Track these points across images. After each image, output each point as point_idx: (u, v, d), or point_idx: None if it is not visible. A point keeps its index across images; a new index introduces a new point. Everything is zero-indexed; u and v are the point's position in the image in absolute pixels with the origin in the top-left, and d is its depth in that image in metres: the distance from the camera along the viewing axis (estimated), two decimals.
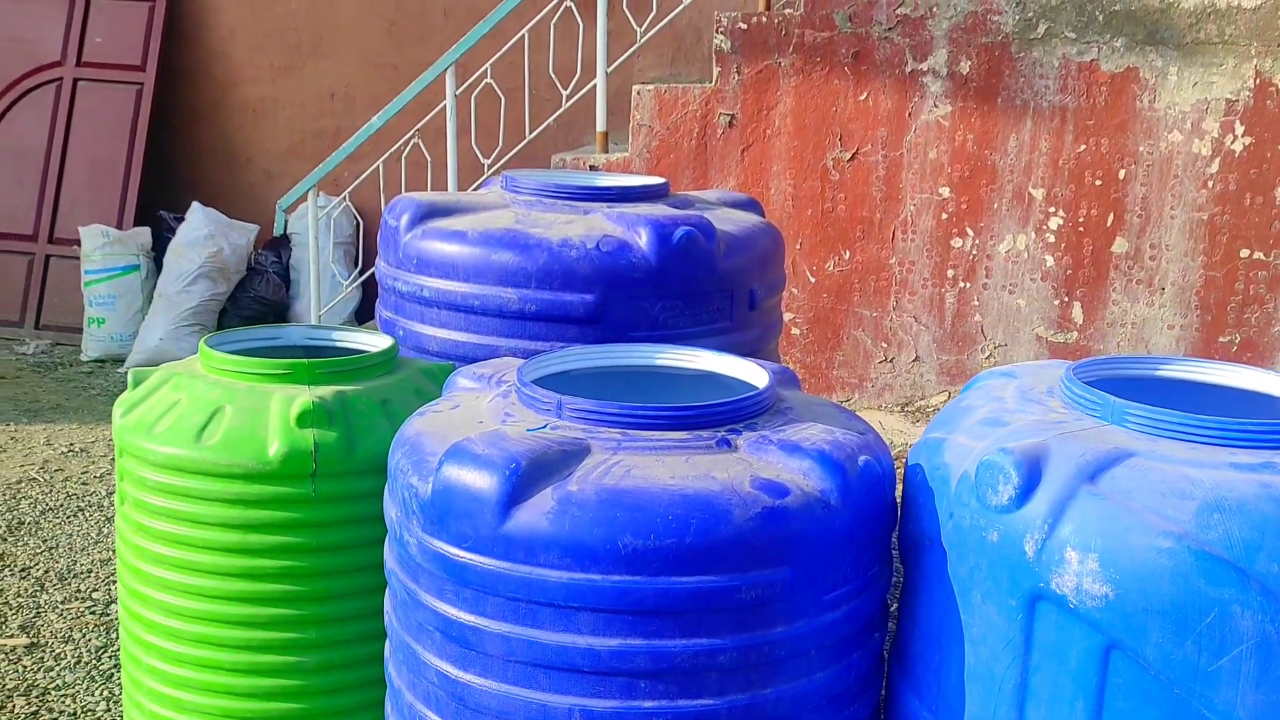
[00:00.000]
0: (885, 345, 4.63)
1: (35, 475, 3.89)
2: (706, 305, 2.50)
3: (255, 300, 5.84)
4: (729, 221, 2.64)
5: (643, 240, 2.40)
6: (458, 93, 4.77)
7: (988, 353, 4.56)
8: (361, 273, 5.07)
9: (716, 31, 4.48)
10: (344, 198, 5.04)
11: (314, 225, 5.05)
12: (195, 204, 5.77)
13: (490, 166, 4.89)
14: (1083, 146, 4.34)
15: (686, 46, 5.77)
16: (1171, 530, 1.35)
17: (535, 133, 4.82)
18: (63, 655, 2.71)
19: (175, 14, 6.23)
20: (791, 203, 4.58)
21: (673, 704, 1.48)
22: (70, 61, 6.14)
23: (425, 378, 2.16)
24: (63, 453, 4.13)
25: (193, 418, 1.92)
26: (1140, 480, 1.42)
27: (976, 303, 4.53)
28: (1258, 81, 4.17)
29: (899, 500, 1.69)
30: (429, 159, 4.91)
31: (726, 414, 1.63)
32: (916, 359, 4.61)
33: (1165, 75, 4.23)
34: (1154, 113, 4.27)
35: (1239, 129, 4.22)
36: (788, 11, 4.48)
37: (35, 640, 2.77)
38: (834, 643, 1.57)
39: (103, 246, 5.63)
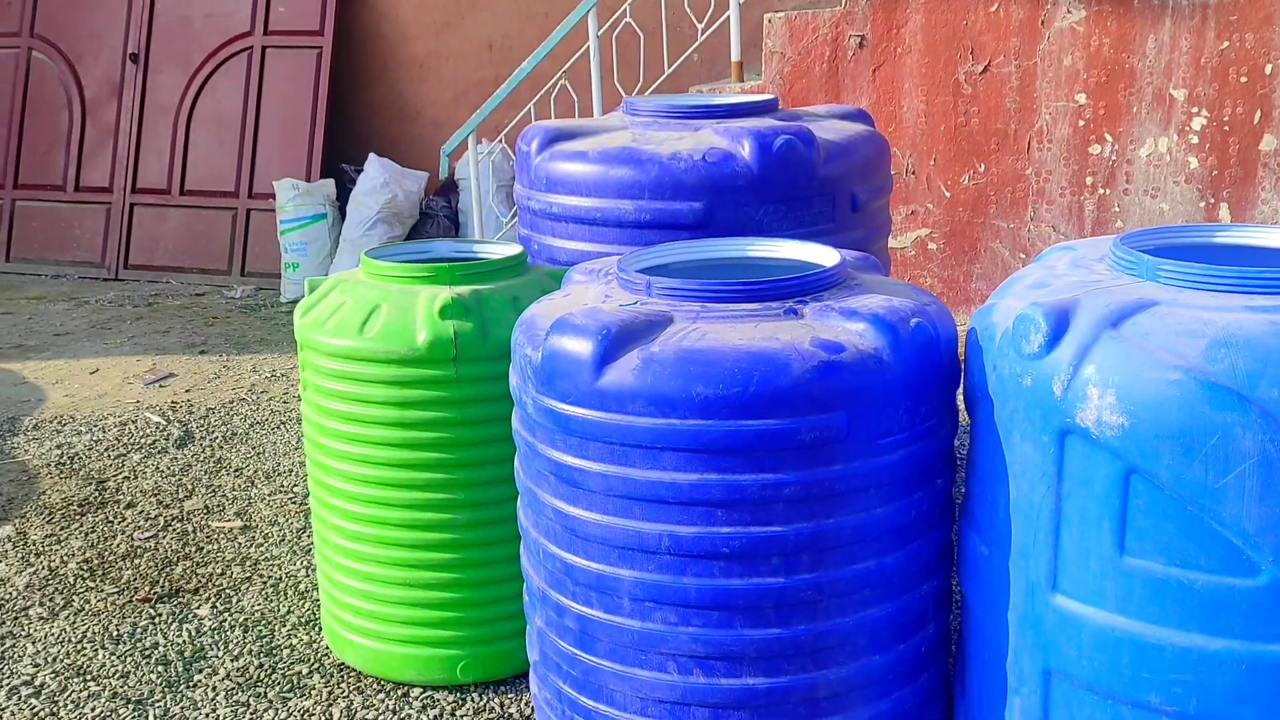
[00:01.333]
0: (1024, 256, 4.67)
1: (244, 396, 4.44)
2: (808, 209, 2.70)
3: None
4: (832, 130, 2.83)
5: (745, 150, 2.62)
6: (599, 33, 5.04)
7: None
8: (515, 214, 5.42)
9: None
10: (500, 140, 5.41)
11: (474, 168, 5.44)
12: (371, 155, 6.28)
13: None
14: (1225, 43, 4.24)
15: None
16: (1180, 365, 1.51)
17: (674, 66, 5.04)
18: (270, 535, 3.19)
19: None
20: (924, 119, 4.65)
21: (745, 530, 1.74)
22: (258, 31, 6.74)
23: (549, 279, 2.46)
24: (266, 377, 4.69)
25: (356, 315, 2.28)
26: (1159, 324, 1.57)
27: (1117, 209, 4.51)
28: None
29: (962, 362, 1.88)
30: (576, 99, 5.21)
31: (795, 287, 1.86)
32: None
33: None
34: None
35: None
36: None
37: (248, 524, 3.27)
38: (891, 482, 1.79)
39: (294, 198, 6.22)
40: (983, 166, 4.63)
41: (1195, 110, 4.33)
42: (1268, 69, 4.21)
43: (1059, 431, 1.61)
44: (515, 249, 2.52)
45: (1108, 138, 4.46)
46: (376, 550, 2.35)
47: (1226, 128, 4.31)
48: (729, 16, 4.87)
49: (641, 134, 2.79)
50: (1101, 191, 4.51)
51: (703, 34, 4.99)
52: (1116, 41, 4.36)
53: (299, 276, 6.22)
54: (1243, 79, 4.25)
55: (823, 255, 2.10)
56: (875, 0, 4.58)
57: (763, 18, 4.87)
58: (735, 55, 4.92)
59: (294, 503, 3.41)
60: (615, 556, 1.81)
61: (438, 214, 6.40)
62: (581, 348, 1.77)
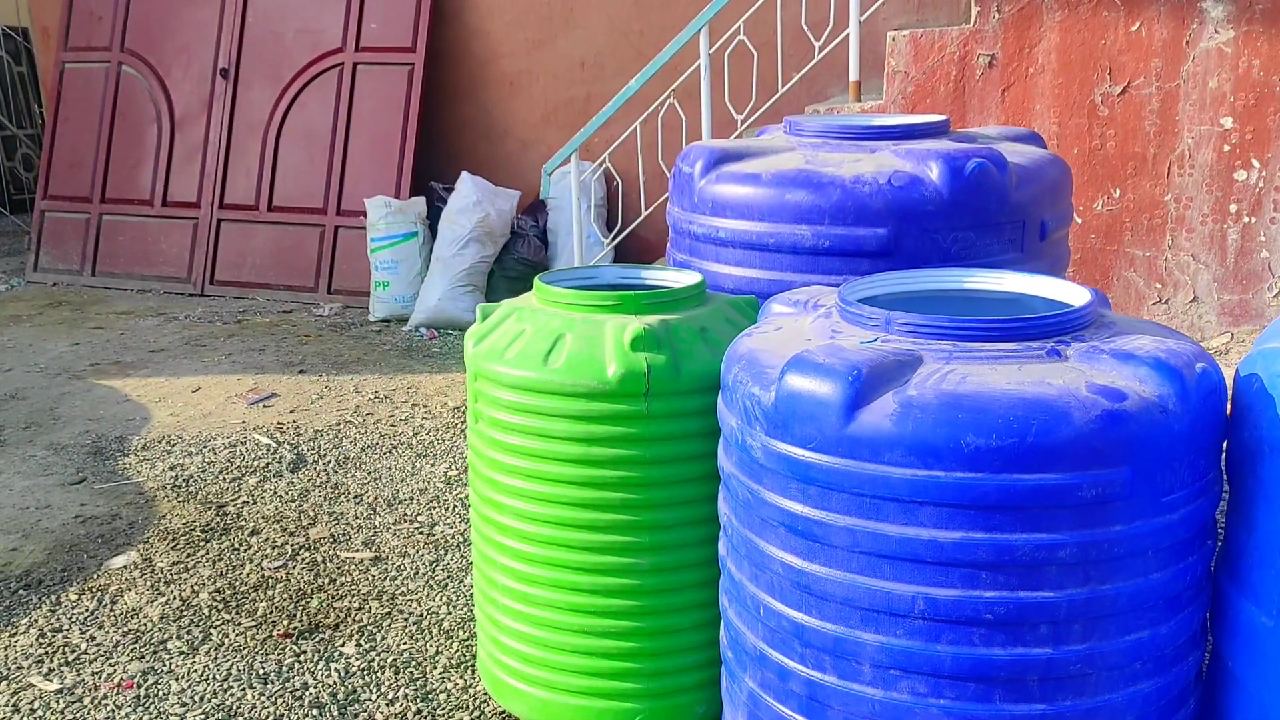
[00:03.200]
0: (1160, 286, 4.46)
1: (350, 418, 4.34)
2: (998, 236, 2.54)
3: (518, 261, 6.21)
4: (1016, 154, 2.66)
5: (934, 173, 2.46)
6: (711, 51, 4.91)
7: (1276, 291, 4.32)
8: (619, 232, 5.31)
9: None
10: (603, 160, 5.29)
11: (577, 188, 5.33)
12: (464, 174, 6.19)
13: (743, 122, 5.01)
14: None
15: None
16: None
17: (788, 85, 4.90)
18: (402, 568, 3.06)
19: None
20: (1056, 141, 4.47)
21: (1013, 594, 1.57)
22: (350, 47, 6.69)
23: (733, 309, 2.32)
24: (370, 399, 4.58)
25: (538, 344, 2.14)
26: None
27: (1263, 239, 4.29)
28: None
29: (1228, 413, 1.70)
30: (684, 118, 5.08)
31: (1054, 326, 1.70)
32: (1195, 299, 4.42)
33: None
34: None
35: None
36: None
37: (378, 554, 3.14)
38: (1171, 544, 1.61)
39: (386, 216, 6.14)
40: (1118, 192, 4.43)
41: None
42: None
43: None
44: (694, 277, 2.37)
45: (1255, 164, 4.25)
46: (550, 594, 2.20)
47: None
48: (848, 34, 4.73)
49: (813, 155, 2.64)
50: (1247, 220, 4.30)
51: (820, 52, 4.84)
52: (1267, 63, 4.16)
53: (389, 295, 6.13)
54: None
55: (1056, 290, 1.94)
56: (1007, 18, 4.42)
57: (885, 35, 4.72)
58: (854, 74, 4.77)
59: (421, 533, 3.28)
60: (858, 618, 1.65)
61: (528, 233, 6.29)
62: (828, 390, 1.61)
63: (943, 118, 2.81)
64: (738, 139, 2.93)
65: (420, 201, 6.32)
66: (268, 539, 3.25)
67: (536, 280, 2.33)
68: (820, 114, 4.70)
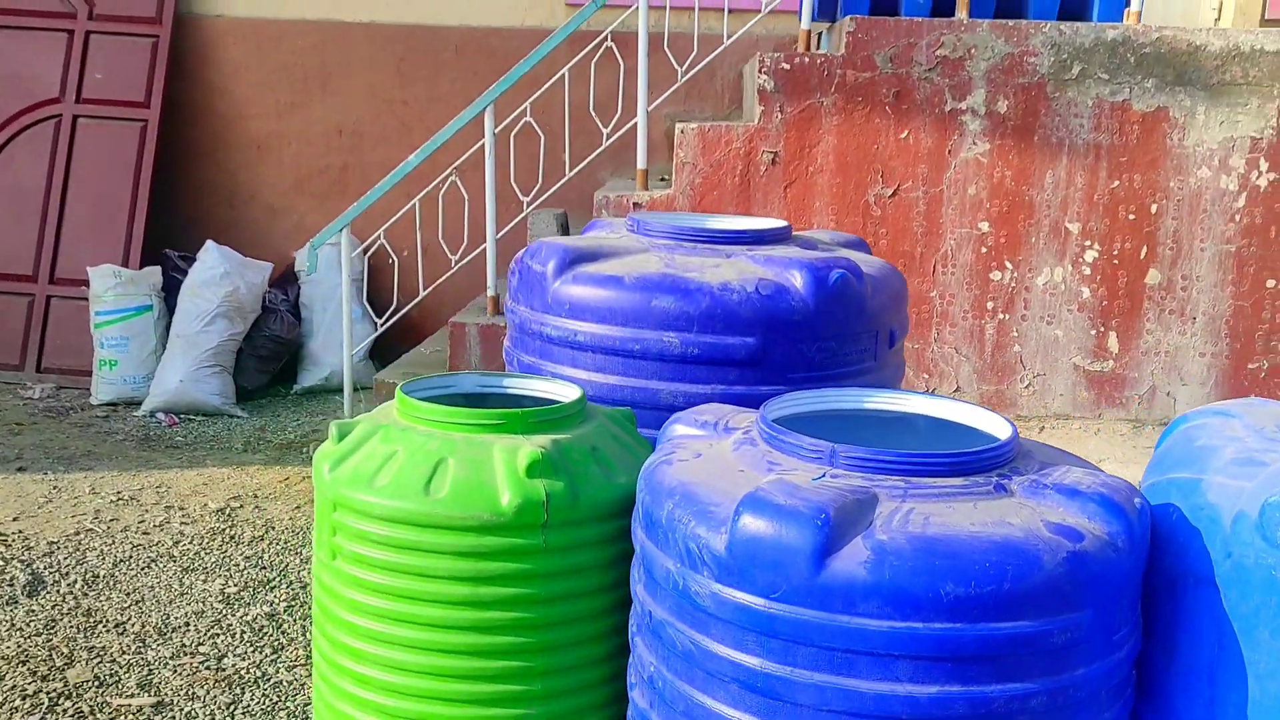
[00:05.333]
0: (927, 376, 4.73)
1: (91, 526, 3.76)
2: (856, 345, 2.55)
3: (271, 339, 5.73)
4: (861, 262, 2.70)
5: (799, 283, 2.44)
6: (496, 131, 4.77)
7: (1026, 382, 4.68)
8: (393, 313, 5.00)
9: (760, 71, 4.56)
10: (378, 236, 4.98)
11: (347, 265, 4.98)
12: (209, 243, 5.66)
13: (529, 205, 4.88)
14: (1116, 182, 4.50)
15: (700, 86, 5.84)
16: None
17: (575, 170, 4.84)
18: (193, 713, 2.62)
19: (179, 51, 6.12)
20: None
21: None
22: (69, 97, 5.99)
23: (614, 424, 2.17)
24: (112, 501, 4.00)
25: (415, 470, 1.90)
26: None
27: (1016, 334, 4.65)
28: None
29: None
30: (465, 196, 4.88)
31: (996, 459, 1.67)
32: (958, 389, 4.71)
33: (1194, 114, 4.42)
34: (1183, 150, 4.45)
35: (1263, 165, 4.42)
36: (830, 53, 4.58)
37: (160, 699, 2.68)
38: (1119, 682, 1.62)
39: (114, 287, 5.48)
40: None
41: (1088, 243, 4.56)
42: (1153, 208, 4.50)
43: None
44: (573, 390, 2.20)
45: (1008, 265, 4.62)
46: None
47: (1116, 261, 4.56)
48: (636, 123, 4.74)
49: (671, 259, 2.56)
50: (1001, 316, 4.65)
51: (608, 139, 4.82)
52: (1018, 174, 4.54)
53: (117, 375, 5.46)
54: (1131, 216, 4.52)
55: (962, 412, 1.94)
56: (789, 119, 4.58)
57: (669, 125, 4.77)
58: (642, 162, 4.78)
59: (208, 668, 2.84)
60: None
61: (280, 309, 5.83)
62: (795, 535, 1.50)
63: (784, 224, 2.82)
64: (589, 236, 2.80)
65: (155, 271, 5.70)
66: (14, 686, 2.70)
67: (400, 393, 2.08)
68: (609, 201, 4.67)
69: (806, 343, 2.45)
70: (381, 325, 5.05)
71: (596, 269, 2.52)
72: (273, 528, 3.80)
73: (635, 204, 4.68)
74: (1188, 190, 4.47)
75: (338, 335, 5.55)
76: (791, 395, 1.98)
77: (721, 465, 1.74)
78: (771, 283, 2.45)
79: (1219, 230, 4.48)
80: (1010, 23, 4.45)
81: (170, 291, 5.66)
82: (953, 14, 4.61)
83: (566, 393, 2.20)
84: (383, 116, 6.26)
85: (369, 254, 5.14)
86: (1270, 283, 4.49)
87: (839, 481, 1.61)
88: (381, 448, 1.96)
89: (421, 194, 4.92)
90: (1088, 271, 4.58)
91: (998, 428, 1.85)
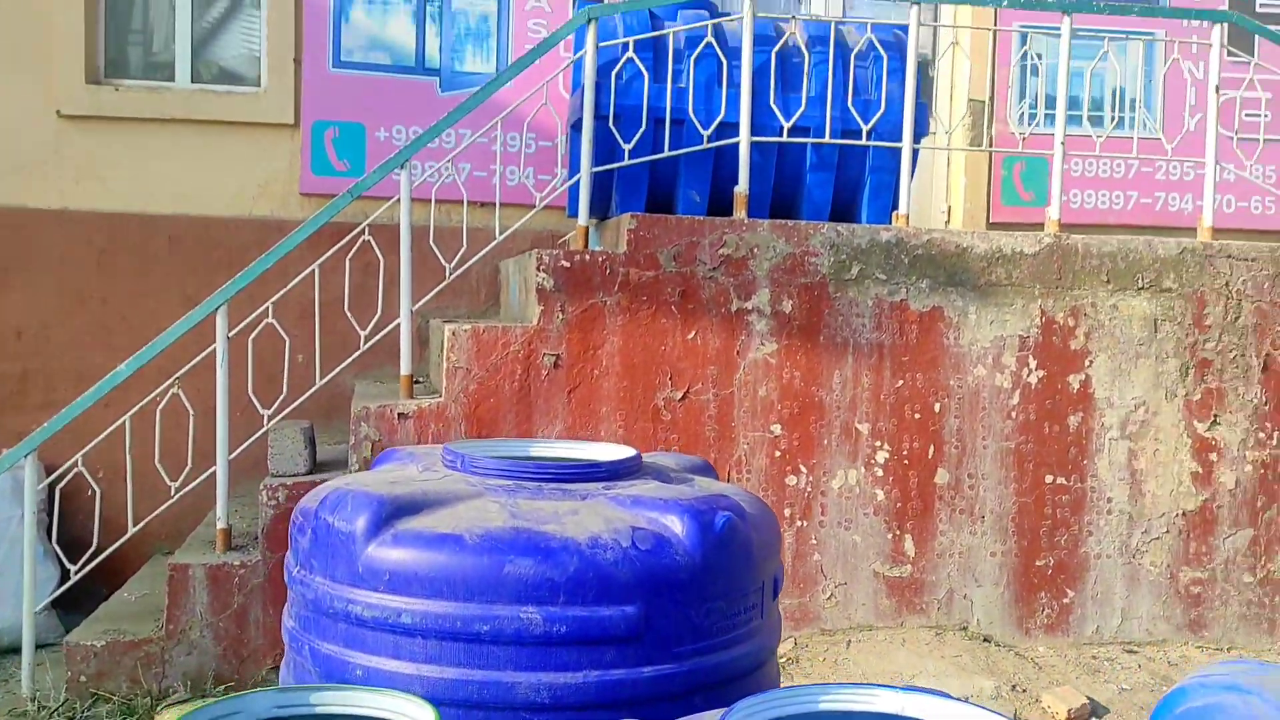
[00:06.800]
0: None
1: None
2: (745, 602, 2.11)
3: None
4: (737, 498, 2.29)
5: (680, 531, 2.00)
6: (231, 335, 4.08)
7: (829, 593, 4.41)
8: (93, 555, 4.05)
9: (538, 269, 4.20)
10: (75, 461, 4.06)
11: (31, 498, 4.02)
12: None
13: (269, 419, 4.18)
14: (900, 381, 4.45)
15: (454, 280, 5.43)
16: None
17: (328, 377, 4.21)
18: None
19: None
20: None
21: None
22: None
23: None
24: None
25: None
26: None
27: (815, 541, 4.40)
28: (1043, 320, 4.51)
29: None
30: (191, 411, 4.11)
31: None
32: None
33: (966, 314, 4.48)
34: (960, 349, 4.48)
35: (1032, 363, 4.52)
36: (611, 250, 4.31)
37: None
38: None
39: None
40: None
41: (878, 444, 4.44)
42: (936, 407, 4.46)
43: None
44: (424, 712, 1.59)
45: (802, 469, 4.40)
46: None
47: (906, 461, 4.46)
48: (399, 324, 4.22)
49: (514, 504, 2.05)
50: (800, 524, 4.39)
51: (366, 341, 4.25)
52: (806, 375, 4.39)
53: None
54: (916, 415, 4.46)
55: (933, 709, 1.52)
56: (571, 319, 4.22)
57: (421, 323, 4.28)
58: (405, 368, 4.24)
59: None
60: None
61: None
62: None
63: (632, 451, 2.38)
64: (392, 475, 2.22)
65: None
66: None
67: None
68: (369, 412, 4.07)
69: (695, 605, 1.98)
70: (76, 572, 4.08)
71: (423, 524, 1.96)
72: None
73: (400, 414, 4.10)
74: (967, 388, 4.48)
75: (14, 582, 4.46)
76: (747, 701, 1.49)
77: None
78: (649, 533, 1.98)
79: (998, 428, 4.50)
80: (790, 223, 4.37)
81: None
82: (729, 213, 4.50)
83: (412, 715, 1.59)
84: (75, 315, 5.36)
85: (61, 483, 4.19)
86: (1049, 478, 4.53)
87: None
88: None
89: (135, 409, 4.10)
90: (880, 473, 4.44)
91: None
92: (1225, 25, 4.78)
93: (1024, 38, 6.03)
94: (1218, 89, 4.74)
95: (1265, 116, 6.21)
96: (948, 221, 6.23)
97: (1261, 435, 4.65)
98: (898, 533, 4.45)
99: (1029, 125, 6.06)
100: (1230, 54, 4.97)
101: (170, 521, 4.34)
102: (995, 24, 5.96)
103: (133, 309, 5.35)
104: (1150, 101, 6.25)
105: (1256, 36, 5.82)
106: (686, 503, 2.04)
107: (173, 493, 4.06)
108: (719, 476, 4.06)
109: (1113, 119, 5.95)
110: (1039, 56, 5.92)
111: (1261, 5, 6.36)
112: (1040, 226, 4.78)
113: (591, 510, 2.04)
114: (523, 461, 2.19)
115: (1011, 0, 4.65)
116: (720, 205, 4.69)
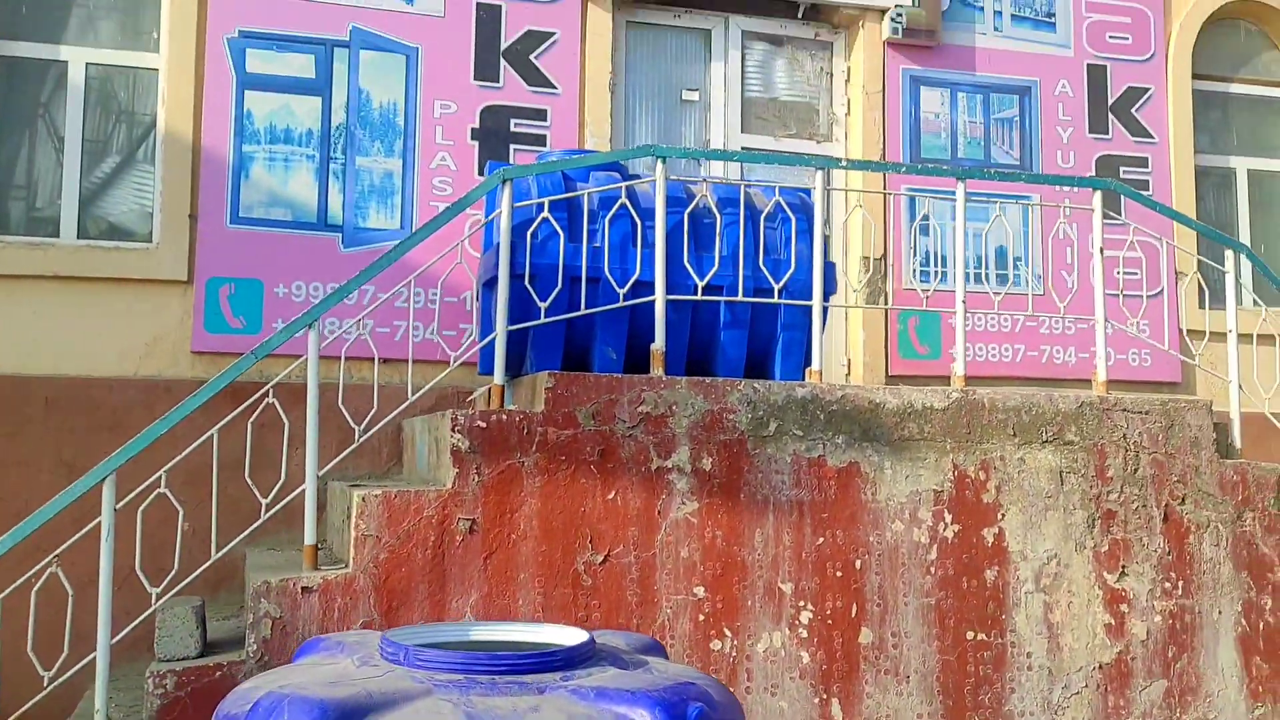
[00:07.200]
0: None
1: None
2: None
3: None
4: (701, 683, 2.16)
5: None
6: (118, 506, 3.79)
7: None
8: None
9: (453, 430, 4.05)
10: None
11: None
12: None
13: (158, 597, 3.85)
14: (821, 539, 4.40)
15: (372, 444, 5.21)
16: None
17: (226, 549, 3.93)
18: None
19: None
20: (543, 614, 4.08)
21: None
22: None
23: None
24: None
25: None
26: None
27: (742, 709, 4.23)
28: (956, 473, 4.56)
29: None
30: (71, 593, 3.76)
31: None
32: None
33: (882, 469, 4.49)
34: (877, 504, 4.47)
35: (948, 517, 4.54)
36: (528, 409, 4.21)
37: None
38: None
39: None
40: None
41: (802, 604, 4.35)
42: (857, 564, 4.41)
43: None
44: None
45: (727, 633, 4.26)
46: None
47: (830, 621, 4.37)
48: (304, 490, 3.99)
49: (469, 704, 1.88)
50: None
51: (267, 511, 4.00)
52: (728, 534, 4.30)
53: None
54: (838, 573, 4.40)
55: None
56: (487, 481, 4.07)
57: (321, 486, 4.07)
58: (310, 537, 3.98)
59: None
60: None
61: None
62: None
63: (585, 635, 2.24)
64: (325, 670, 2.01)
65: None
66: None
67: None
68: (270, 588, 3.80)
69: None
70: None
71: None
72: None
73: (305, 588, 3.84)
74: (886, 544, 4.45)
75: None
76: None
77: None
78: None
79: (918, 583, 4.47)
80: (708, 380, 4.36)
81: None
82: (645, 370, 4.46)
83: None
84: None
85: None
86: (970, 634, 4.49)
87: None
88: None
89: (8, 590, 3.73)
90: (805, 634, 4.33)
91: None
92: (1102, 191, 5.07)
93: (912, 201, 6.30)
94: (1101, 250, 5.00)
95: (1135, 275, 6.58)
96: (848, 374, 6.34)
97: (1167, 585, 4.74)
98: (824, 696, 4.32)
99: (928, 281, 6.27)
100: (1105, 216, 5.26)
101: (39, 716, 3.91)
102: (885, 188, 6.21)
103: (7, 474, 4.96)
104: (1032, 260, 6.57)
105: (1123, 198, 6.21)
106: (655, 695, 1.91)
107: (45, 683, 3.67)
108: None
109: (1002, 277, 6.21)
110: (925, 218, 6.18)
111: (1125, 172, 6.82)
112: (935, 379, 4.89)
113: (553, 707, 1.88)
114: (472, 652, 2.02)
115: (909, 166, 4.86)
116: (636, 362, 4.66)
